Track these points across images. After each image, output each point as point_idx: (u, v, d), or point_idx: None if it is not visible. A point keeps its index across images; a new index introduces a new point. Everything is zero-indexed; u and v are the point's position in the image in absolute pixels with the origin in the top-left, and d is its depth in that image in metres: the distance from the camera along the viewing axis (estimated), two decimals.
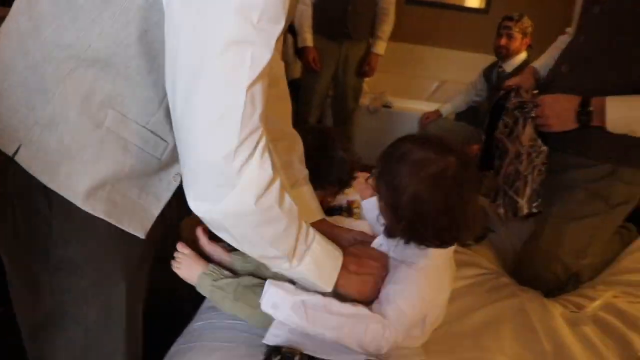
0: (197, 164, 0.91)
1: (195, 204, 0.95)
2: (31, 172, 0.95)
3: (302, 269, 1.09)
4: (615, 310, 1.60)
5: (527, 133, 1.65)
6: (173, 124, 0.93)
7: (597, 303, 1.61)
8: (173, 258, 1.30)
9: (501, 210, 1.75)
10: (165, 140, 1.03)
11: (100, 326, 1.08)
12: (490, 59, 3.78)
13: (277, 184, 0.96)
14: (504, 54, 3.53)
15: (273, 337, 1.15)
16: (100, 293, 1.06)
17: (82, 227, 0.99)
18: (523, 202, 1.66)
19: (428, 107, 4.09)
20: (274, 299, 1.15)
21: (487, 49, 3.92)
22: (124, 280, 1.08)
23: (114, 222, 1.01)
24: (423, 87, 4.95)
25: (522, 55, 3.53)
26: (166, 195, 1.08)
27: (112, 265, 1.06)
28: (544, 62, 2.02)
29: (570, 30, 1.99)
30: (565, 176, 1.74)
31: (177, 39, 0.85)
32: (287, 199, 1.01)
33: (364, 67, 3.83)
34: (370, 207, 1.41)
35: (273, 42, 0.86)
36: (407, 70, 5.09)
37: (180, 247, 1.30)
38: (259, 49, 0.84)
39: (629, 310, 1.60)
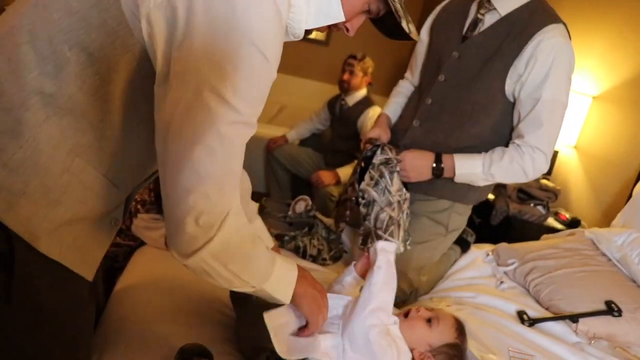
0: (179, 217, 0.98)
1: (178, 255, 1.02)
2: None
3: (264, 289, 1.19)
4: None
5: (395, 184, 1.97)
6: (162, 187, 0.99)
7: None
8: None
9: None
10: (118, 189, 1.09)
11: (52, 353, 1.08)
12: (326, 87, 4.11)
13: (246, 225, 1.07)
14: (346, 88, 3.91)
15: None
16: (54, 324, 1.07)
17: (45, 264, 1.01)
18: (399, 243, 1.98)
19: (271, 130, 4.34)
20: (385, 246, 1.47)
21: (325, 77, 4.26)
22: (77, 314, 1.11)
23: (67, 265, 1.04)
24: (265, 111, 5.15)
25: (363, 91, 3.95)
26: (108, 239, 1.13)
27: (68, 301, 1.08)
28: (392, 109, 2.39)
29: (408, 76, 2.41)
30: (414, 208, 2.10)
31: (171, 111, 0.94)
32: (253, 236, 1.11)
33: None
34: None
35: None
36: None
37: None
38: (244, 128, 0.97)
39: (457, 315, 1.96)
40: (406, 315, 1.59)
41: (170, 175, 0.97)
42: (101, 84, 0.98)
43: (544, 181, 3.37)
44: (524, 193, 3.22)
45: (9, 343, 1.01)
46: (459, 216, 2.19)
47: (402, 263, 2.07)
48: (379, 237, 1.99)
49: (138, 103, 1.01)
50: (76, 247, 1.05)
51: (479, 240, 2.77)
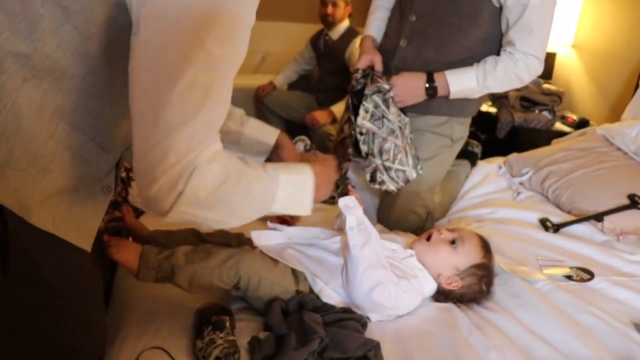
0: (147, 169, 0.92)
1: (156, 213, 0.97)
2: None
3: (275, 210, 1.13)
4: None
5: (392, 111, 1.90)
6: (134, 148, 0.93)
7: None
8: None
9: (388, 186, 1.95)
10: (108, 154, 1.04)
11: (65, 330, 1.05)
12: (307, 27, 3.97)
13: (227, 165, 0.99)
14: (330, 22, 3.77)
15: None
16: (63, 302, 1.04)
17: (40, 239, 0.97)
18: (410, 169, 1.93)
19: (258, 80, 4.23)
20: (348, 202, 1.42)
21: (304, 18, 4.11)
22: (84, 287, 1.08)
23: (61, 235, 0.99)
24: (247, 61, 5.03)
25: (346, 23, 3.81)
26: (102, 207, 1.08)
27: (73, 275, 1.05)
28: (375, 27, 2.23)
29: None
30: (414, 126, 2.04)
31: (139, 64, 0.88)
32: (239, 168, 1.03)
33: None
34: None
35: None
36: None
37: (105, 237, 1.30)
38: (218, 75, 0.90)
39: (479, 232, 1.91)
40: (428, 239, 1.54)
41: (138, 129, 0.92)
42: (80, 40, 0.91)
43: (546, 85, 3.29)
44: (528, 100, 3.14)
45: (17, 322, 0.98)
46: (461, 126, 2.13)
47: (414, 184, 2.04)
48: (389, 169, 1.93)
49: (120, 59, 0.94)
50: (70, 217, 1.01)
51: (487, 155, 2.71)
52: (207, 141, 0.94)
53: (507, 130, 3.15)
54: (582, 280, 1.65)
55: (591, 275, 1.67)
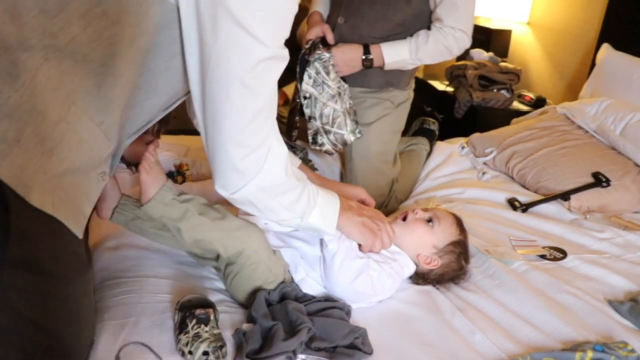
0: (227, 158, 1.06)
1: (225, 189, 1.11)
2: None
3: (310, 221, 1.26)
4: None
5: (332, 77, 2.05)
6: (201, 129, 1.07)
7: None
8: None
9: (327, 147, 2.10)
10: (110, 142, 1.05)
11: (59, 319, 1.05)
12: None
13: (287, 155, 1.14)
14: None
15: None
16: (58, 288, 1.03)
17: (38, 223, 0.97)
18: (348, 133, 2.08)
19: None
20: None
21: None
22: (78, 274, 1.08)
23: (61, 219, 0.99)
24: None
25: None
26: (95, 194, 1.08)
27: (67, 260, 1.04)
28: (322, 3, 2.36)
29: None
30: (354, 93, 2.19)
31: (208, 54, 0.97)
32: (293, 166, 1.17)
33: None
34: None
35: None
36: None
37: (152, 150, 1.29)
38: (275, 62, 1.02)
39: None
40: (404, 219, 1.55)
41: (211, 117, 1.03)
42: (107, 25, 0.95)
43: (504, 63, 3.35)
44: (486, 79, 3.20)
45: (10, 307, 0.97)
46: (401, 91, 2.29)
47: (363, 154, 2.22)
48: (328, 132, 2.06)
49: (144, 52, 1.01)
50: (68, 201, 1.01)
51: (446, 136, 2.76)
52: (275, 126, 1.11)
53: (465, 110, 3.20)
54: (556, 259, 1.71)
55: (564, 254, 1.73)
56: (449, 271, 1.53)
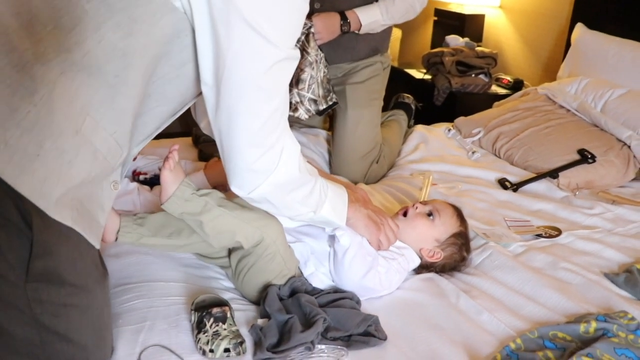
0: (243, 158, 1.10)
1: (241, 189, 1.15)
2: (4, 177, 0.92)
3: (322, 214, 1.31)
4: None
5: (312, 45, 2.20)
6: (215, 131, 1.11)
7: (425, 192, 1.98)
8: None
9: (300, 113, 2.22)
10: (122, 150, 1.08)
11: (82, 329, 1.07)
12: None
13: (299, 151, 1.19)
14: None
15: None
16: (80, 299, 1.05)
17: (58, 236, 0.99)
18: (321, 99, 2.23)
19: None
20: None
21: None
22: (98, 283, 1.10)
23: (79, 231, 1.02)
24: None
25: None
26: (108, 203, 1.11)
27: (87, 271, 1.07)
28: None
29: None
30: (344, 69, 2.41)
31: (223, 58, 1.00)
32: (305, 162, 1.22)
33: None
34: None
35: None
36: None
37: (175, 152, 1.32)
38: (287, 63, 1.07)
39: (448, 195, 2.03)
40: (405, 214, 1.60)
41: (226, 120, 1.07)
42: (121, 37, 0.98)
43: (480, 48, 3.42)
44: (463, 65, 3.26)
45: (33, 320, 1.00)
46: (385, 55, 2.53)
47: (355, 112, 2.37)
48: (302, 97, 2.19)
49: (155, 61, 1.04)
50: (84, 212, 1.04)
51: (428, 124, 2.81)
52: (287, 124, 1.15)
53: (444, 97, 3.26)
54: (551, 236, 1.77)
55: (559, 231, 1.79)
56: (451, 262, 1.58)
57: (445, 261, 1.57)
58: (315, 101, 2.21)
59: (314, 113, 2.24)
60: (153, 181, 2.03)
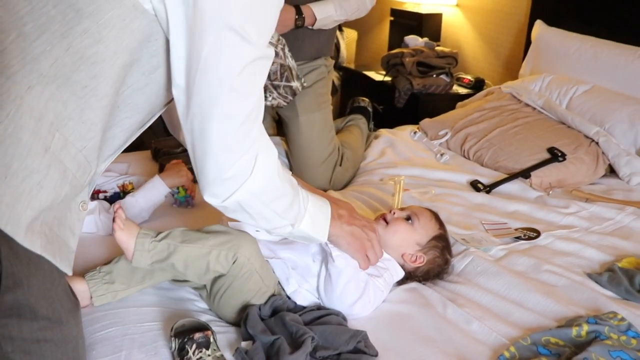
0: (216, 164, 1.05)
1: (214, 198, 1.09)
2: None
3: (301, 228, 1.25)
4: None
5: (274, 36, 2.22)
6: (186, 136, 1.05)
7: (398, 197, 1.97)
8: None
9: (278, 101, 2.31)
10: (91, 167, 1.03)
11: None
12: None
13: (277, 158, 1.14)
14: None
15: None
16: (54, 332, 1.01)
17: (28, 265, 0.95)
18: (296, 83, 2.29)
19: None
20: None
21: None
22: (71, 314, 1.05)
23: (50, 258, 0.96)
24: None
25: None
26: (78, 226, 1.05)
27: (60, 301, 1.02)
28: None
29: None
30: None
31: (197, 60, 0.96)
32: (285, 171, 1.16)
33: None
34: None
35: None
36: None
37: (119, 210, 1.28)
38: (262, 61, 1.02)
39: (423, 200, 2.02)
40: (384, 220, 1.57)
41: (198, 123, 1.02)
42: (89, 44, 0.93)
43: (439, 48, 3.44)
44: (424, 65, 3.27)
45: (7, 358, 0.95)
46: (328, 58, 2.57)
47: (308, 117, 2.40)
48: (277, 87, 2.25)
49: (125, 69, 0.99)
50: (54, 237, 0.98)
51: (391, 127, 2.80)
52: (263, 128, 1.10)
53: (406, 99, 3.27)
54: (530, 238, 1.77)
55: (537, 233, 1.80)
56: (434, 267, 1.56)
57: (428, 266, 1.55)
58: (290, 87, 2.27)
59: (292, 98, 2.32)
60: (113, 199, 1.97)
